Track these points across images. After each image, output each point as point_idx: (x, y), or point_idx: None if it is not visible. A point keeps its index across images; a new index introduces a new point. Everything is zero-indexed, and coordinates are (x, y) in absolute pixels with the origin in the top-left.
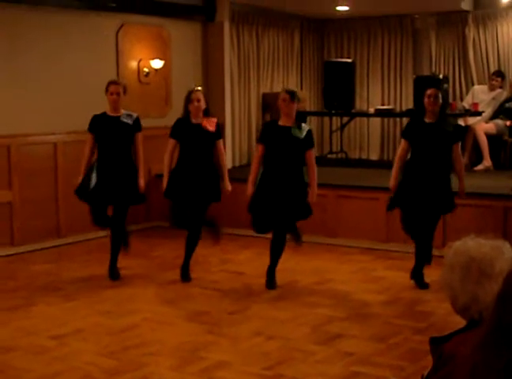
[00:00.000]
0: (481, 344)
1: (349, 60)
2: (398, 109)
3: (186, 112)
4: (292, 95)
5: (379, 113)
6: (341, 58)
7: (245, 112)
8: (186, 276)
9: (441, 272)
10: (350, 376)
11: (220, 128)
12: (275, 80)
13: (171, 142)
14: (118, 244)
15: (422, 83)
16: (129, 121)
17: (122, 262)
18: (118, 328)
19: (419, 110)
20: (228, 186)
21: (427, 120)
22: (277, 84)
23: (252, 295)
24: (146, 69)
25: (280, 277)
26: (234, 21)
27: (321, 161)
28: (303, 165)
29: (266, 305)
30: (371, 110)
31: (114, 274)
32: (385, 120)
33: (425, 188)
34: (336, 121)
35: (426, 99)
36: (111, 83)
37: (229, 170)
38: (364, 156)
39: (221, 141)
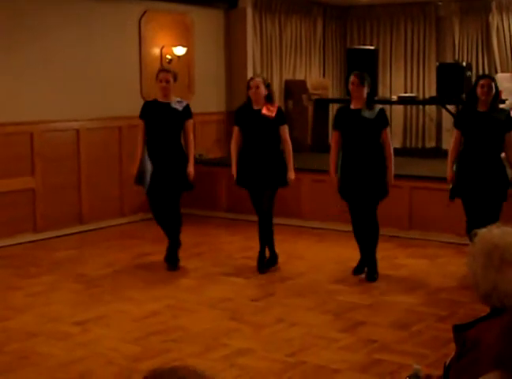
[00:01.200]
0: (506, 332)
1: (372, 47)
2: (421, 96)
3: (248, 99)
4: (362, 78)
5: (402, 100)
6: (364, 45)
7: None
8: (261, 267)
9: (466, 259)
10: (373, 363)
11: (283, 113)
12: (297, 68)
13: (235, 129)
14: (177, 232)
15: (445, 70)
16: (179, 108)
17: (146, 248)
18: (141, 314)
19: (471, 99)
20: (291, 174)
21: (479, 109)
22: (300, 72)
23: (275, 282)
24: (169, 56)
25: (303, 264)
26: (257, 8)
27: None
28: (379, 145)
29: (289, 292)
30: (394, 98)
31: (174, 263)
32: (408, 107)
33: (481, 177)
34: None
35: (479, 89)
36: (160, 70)
37: None
38: None
39: (285, 127)
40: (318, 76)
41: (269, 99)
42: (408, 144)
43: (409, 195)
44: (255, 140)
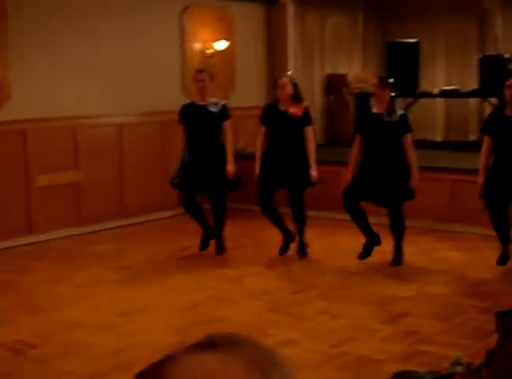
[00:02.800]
0: None
1: (413, 40)
2: (463, 89)
3: (276, 98)
4: (383, 81)
5: (444, 93)
6: (405, 38)
7: (309, 94)
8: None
9: None
10: (414, 354)
11: (309, 114)
12: (339, 62)
13: (261, 128)
14: (220, 225)
15: (487, 63)
16: (215, 110)
17: (187, 241)
18: (185, 305)
19: (501, 102)
20: (314, 172)
21: (507, 112)
22: (341, 66)
23: (316, 275)
24: (210, 51)
25: (345, 259)
26: (297, 3)
27: None
28: (401, 149)
29: (330, 284)
30: (436, 91)
31: (220, 248)
32: (450, 100)
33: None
34: (400, 103)
35: (506, 90)
36: (196, 71)
37: None
38: (429, 137)
39: (310, 128)
40: (358, 70)
41: (295, 98)
42: (450, 138)
43: (450, 188)
44: (281, 140)
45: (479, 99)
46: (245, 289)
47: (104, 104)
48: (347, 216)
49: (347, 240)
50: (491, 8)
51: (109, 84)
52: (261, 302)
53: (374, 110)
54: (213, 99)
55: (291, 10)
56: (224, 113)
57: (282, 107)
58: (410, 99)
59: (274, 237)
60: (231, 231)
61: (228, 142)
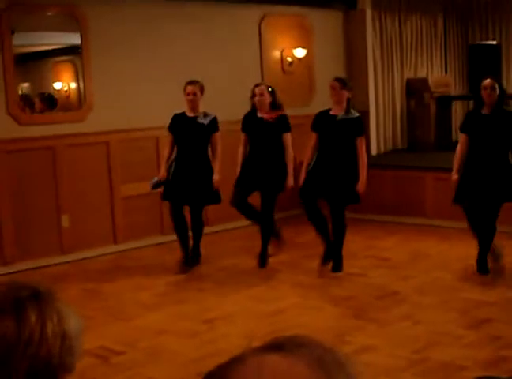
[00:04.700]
0: None
1: (494, 42)
2: None
3: (253, 106)
4: (342, 82)
5: None
6: (486, 40)
7: (389, 98)
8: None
9: None
10: (498, 360)
11: (287, 121)
12: (419, 66)
13: (242, 135)
14: (196, 237)
15: None
16: (205, 122)
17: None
18: (266, 312)
19: (477, 101)
20: (290, 181)
21: (483, 112)
22: (421, 70)
23: (398, 280)
24: (289, 59)
25: (427, 263)
26: (376, 8)
27: None
28: (355, 151)
29: (412, 290)
30: None
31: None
32: None
33: (486, 180)
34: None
35: (482, 91)
36: (187, 83)
37: (373, 157)
38: None
39: (288, 135)
40: (439, 73)
41: (274, 106)
42: None
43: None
44: (259, 146)
45: None
46: (326, 295)
47: None
48: (432, 221)
49: (431, 245)
50: None
51: None
52: (342, 309)
53: (332, 111)
54: (204, 112)
55: (369, 15)
56: (214, 125)
57: (260, 114)
58: None
59: (353, 243)
60: (312, 239)
61: (218, 155)
